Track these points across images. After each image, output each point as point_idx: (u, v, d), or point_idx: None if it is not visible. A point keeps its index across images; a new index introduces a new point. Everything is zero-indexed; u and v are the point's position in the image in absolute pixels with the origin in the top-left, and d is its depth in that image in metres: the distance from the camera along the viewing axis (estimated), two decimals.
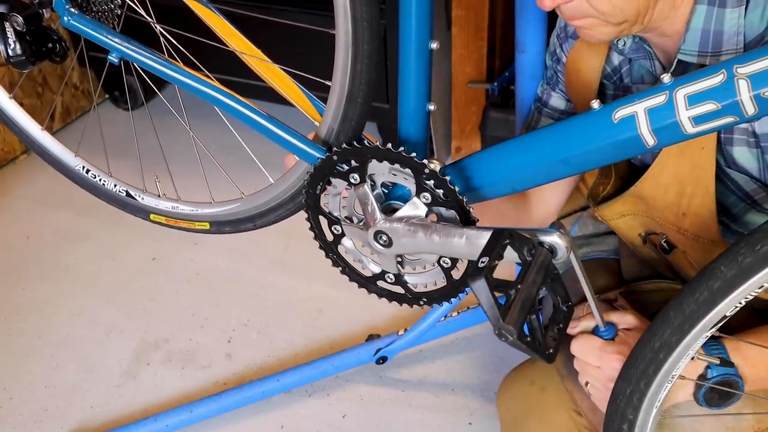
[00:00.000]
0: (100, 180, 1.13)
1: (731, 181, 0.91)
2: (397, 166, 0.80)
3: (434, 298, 0.89)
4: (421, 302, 0.91)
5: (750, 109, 0.64)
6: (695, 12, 0.83)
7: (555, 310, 0.80)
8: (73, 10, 0.96)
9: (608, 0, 0.79)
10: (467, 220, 0.81)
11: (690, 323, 0.69)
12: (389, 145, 0.79)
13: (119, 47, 0.93)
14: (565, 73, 1.04)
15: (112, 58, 0.94)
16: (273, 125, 0.88)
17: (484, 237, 0.76)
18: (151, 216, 1.11)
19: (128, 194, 1.11)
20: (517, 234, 0.74)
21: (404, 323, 1.64)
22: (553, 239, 0.74)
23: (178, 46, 0.94)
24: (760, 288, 0.64)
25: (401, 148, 0.78)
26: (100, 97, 2.63)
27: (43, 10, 1.00)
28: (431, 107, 0.83)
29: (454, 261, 0.84)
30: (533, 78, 1.20)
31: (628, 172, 1.06)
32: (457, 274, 0.86)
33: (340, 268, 0.95)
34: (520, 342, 0.69)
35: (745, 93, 0.63)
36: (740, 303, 0.66)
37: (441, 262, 0.85)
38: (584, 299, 0.82)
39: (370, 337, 1.65)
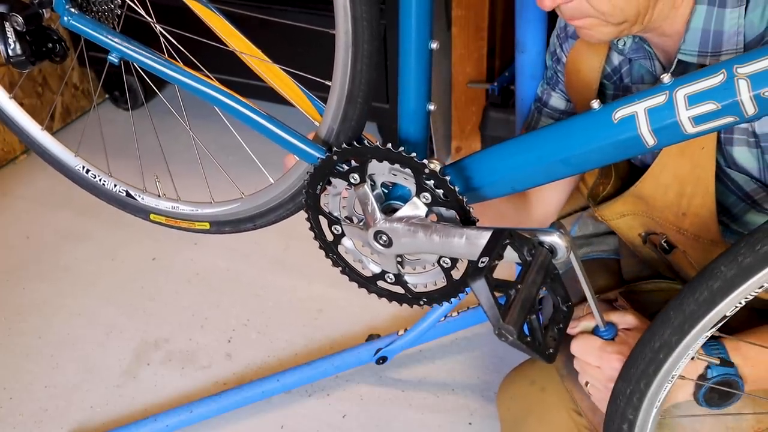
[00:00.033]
0: (100, 180, 1.13)
1: (731, 181, 0.91)
2: (397, 166, 0.80)
3: (434, 298, 0.89)
4: (421, 302, 0.91)
5: (750, 109, 0.64)
6: (695, 12, 0.83)
7: (555, 310, 0.80)
8: (73, 10, 0.96)
9: (608, 0, 0.79)
10: (467, 220, 0.81)
11: (690, 323, 0.69)
12: (389, 145, 0.79)
13: (119, 47, 0.93)
14: (565, 73, 1.04)
15: (112, 58, 0.94)
16: (273, 125, 0.88)
17: (484, 237, 0.76)
18: (151, 216, 1.11)
19: (128, 194, 1.11)
20: (517, 234, 0.74)
21: (404, 323, 1.64)
22: (553, 239, 0.74)
23: (178, 46, 0.94)
24: (760, 288, 0.64)
25: (401, 148, 0.78)
26: (100, 97, 2.63)
27: (43, 10, 1.00)
28: (431, 107, 0.83)
29: (454, 261, 0.84)
30: (533, 78, 1.20)
31: (628, 172, 1.06)
32: (457, 274, 0.86)
33: (340, 268, 0.95)
34: (520, 342, 0.69)
35: (745, 93, 0.63)
36: (740, 303, 0.66)
37: (441, 262, 0.85)
38: (584, 299, 0.82)
39: (370, 337, 1.65)
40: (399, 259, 0.88)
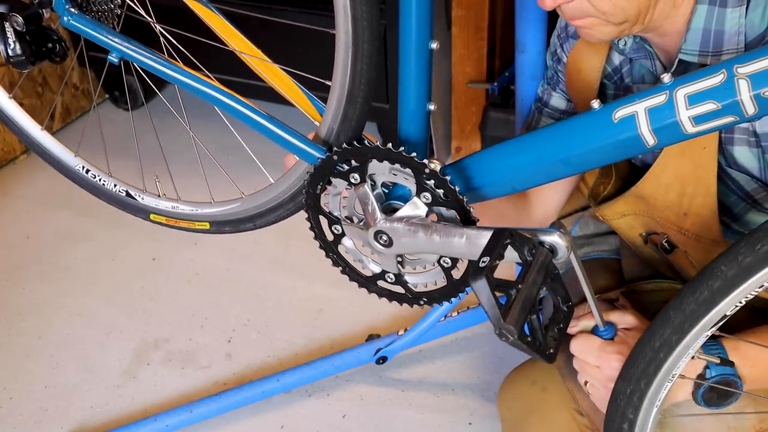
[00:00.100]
0: (100, 180, 1.13)
1: (732, 181, 0.91)
2: (397, 166, 0.80)
3: (434, 297, 0.89)
4: (422, 302, 0.91)
5: (750, 108, 0.64)
6: (696, 12, 0.83)
7: (555, 310, 0.80)
8: (73, 10, 0.96)
9: None
10: (468, 220, 0.81)
11: (690, 323, 0.69)
12: (389, 145, 0.79)
13: (119, 47, 0.93)
14: (565, 73, 1.04)
15: (112, 58, 0.94)
16: (273, 125, 0.88)
17: (485, 237, 0.76)
18: (151, 216, 1.11)
19: (128, 194, 1.11)
20: (517, 234, 0.74)
21: (404, 323, 1.64)
22: (554, 239, 0.74)
23: (178, 46, 0.94)
24: (760, 287, 0.64)
25: (401, 148, 0.78)
26: (100, 97, 2.63)
27: (43, 10, 1.00)
28: (431, 107, 0.83)
29: (455, 261, 0.84)
30: (533, 78, 1.20)
31: (629, 172, 1.06)
32: (457, 274, 0.86)
33: (340, 268, 0.95)
34: (521, 342, 0.69)
35: (745, 93, 0.63)
36: (740, 302, 0.66)
37: (441, 262, 0.85)
38: (585, 299, 0.82)
39: (370, 337, 1.65)
40: (399, 259, 0.88)
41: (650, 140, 0.69)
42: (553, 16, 1.04)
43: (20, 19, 0.98)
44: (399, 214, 0.83)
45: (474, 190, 0.83)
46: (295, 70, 0.90)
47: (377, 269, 0.91)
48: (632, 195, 0.96)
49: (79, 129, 2.54)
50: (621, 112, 0.70)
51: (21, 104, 1.16)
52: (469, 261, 0.82)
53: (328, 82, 0.82)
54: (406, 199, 0.84)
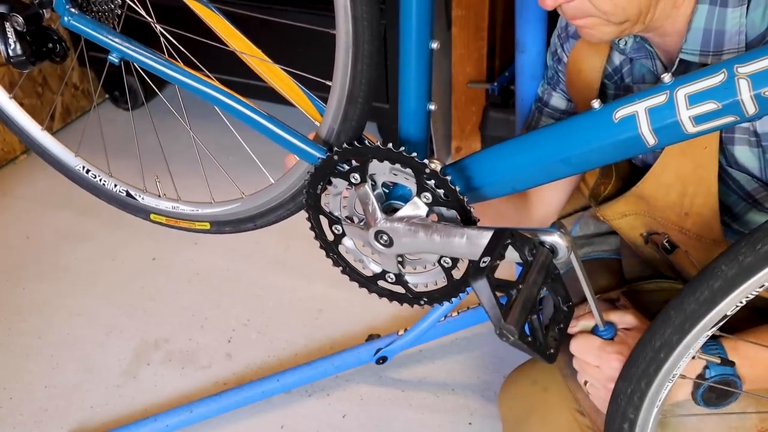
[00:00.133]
0: (100, 180, 1.13)
1: (732, 181, 0.91)
2: (397, 165, 0.80)
3: (435, 297, 0.89)
4: (422, 302, 0.91)
5: (750, 108, 0.64)
6: (697, 11, 0.83)
7: (556, 310, 0.80)
8: (73, 10, 0.96)
9: None
10: (468, 220, 0.81)
11: (691, 322, 0.69)
12: (390, 145, 0.79)
13: (119, 47, 0.93)
14: (566, 73, 1.04)
15: (113, 58, 0.94)
16: (273, 125, 0.88)
17: (485, 237, 0.76)
18: (152, 216, 1.11)
19: (128, 194, 1.11)
20: (518, 234, 0.74)
21: (404, 323, 1.64)
22: (554, 239, 0.74)
23: (178, 46, 0.94)
24: (760, 287, 0.64)
25: (402, 148, 0.78)
26: (100, 97, 2.63)
27: (44, 10, 1.00)
28: (432, 107, 0.83)
29: (455, 261, 0.84)
30: (533, 78, 1.20)
31: (630, 172, 1.06)
32: (457, 274, 0.86)
33: (340, 268, 0.95)
34: (521, 342, 0.69)
35: (745, 92, 0.63)
36: (741, 302, 0.66)
37: (442, 262, 0.85)
38: (585, 299, 0.82)
39: (370, 337, 1.65)
40: (400, 259, 0.88)
41: (651, 140, 0.69)
42: (553, 16, 1.04)
43: (21, 19, 0.98)
44: (399, 214, 0.83)
45: (474, 190, 0.83)
46: (295, 70, 0.90)
47: (378, 269, 0.91)
48: (633, 195, 0.96)
49: (79, 129, 2.54)
50: (621, 112, 0.70)
51: (21, 104, 1.16)
52: (470, 261, 0.82)
53: (328, 82, 0.82)
54: (406, 199, 0.84)
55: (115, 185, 1.12)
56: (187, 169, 1.23)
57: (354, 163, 0.83)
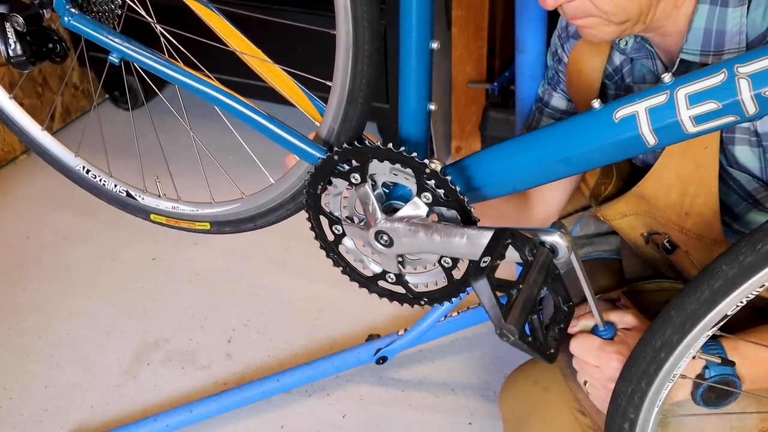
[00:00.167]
0: (100, 180, 1.13)
1: (733, 181, 0.91)
2: (397, 165, 0.80)
3: (435, 297, 0.89)
4: (422, 302, 0.91)
5: (751, 108, 0.64)
6: (697, 11, 0.83)
7: (556, 310, 0.80)
8: (73, 10, 0.96)
9: None
10: (468, 220, 0.81)
11: (691, 322, 0.69)
12: (390, 145, 0.79)
13: (119, 47, 0.93)
14: (566, 73, 1.04)
15: (113, 58, 0.94)
16: (273, 125, 0.88)
17: (486, 237, 0.76)
18: (152, 216, 1.11)
19: (128, 194, 1.11)
20: (518, 234, 0.74)
21: (404, 323, 1.64)
22: (555, 239, 0.74)
23: (178, 46, 0.94)
24: (761, 287, 0.64)
25: (402, 148, 0.78)
26: (100, 97, 2.63)
27: (44, 11, 1.00)
28: (432, 107, 0.83)
29: (455, 261, 0.84)
30: (533, 78, 1.20)
31: (630, 172, 1.06)
32: (458, 274, 0.86)
33: (340, 268, 0.95)
34: (522, 342, 0.69)
35: (746, 92, 0.63)
36: (741, 302, 0.66)
37: (442, 262, 0.85)
38: (585, 299, 0.82)
39: (370, 337, 1.65)
40: (400, 259, 0.88)
41: (651, 140, 0.69)
42: (553, 16, 1.04)
43: (21, 20, 0.98)
44: (400, 214, 0.83)
45: (474, 190, 0.83)
46: (295, 70, 0.90)
47: (378, 269, 0.91)
48: (633, 195, 0.96)
49: (79, 129, 2.54)
50: (622, 112, 0.70)
51: (21, 104, 1.16)
52: (470, 261, 0.82)
53: (328, 83, 0.82)
54: (406, 199, 0.84)
55: (115, 185, 1.12)
56: (187, 169, 1.23)
57: (354, 163, 0.83)
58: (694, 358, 0.73)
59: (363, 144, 0.84)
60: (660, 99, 0.68)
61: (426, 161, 0.78)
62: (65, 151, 1.15)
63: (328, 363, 1.57)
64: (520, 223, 1.16)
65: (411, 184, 0.81)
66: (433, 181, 0.79)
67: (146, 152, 1.20)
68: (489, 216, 1.08)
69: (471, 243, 0.78)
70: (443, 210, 0.82)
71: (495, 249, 0.72)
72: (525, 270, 0.73)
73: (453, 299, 0.89)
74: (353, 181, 0.84)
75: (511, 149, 0.81)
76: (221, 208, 1.03)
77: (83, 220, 2.13)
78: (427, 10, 0.77)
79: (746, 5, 0.80)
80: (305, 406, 1.59)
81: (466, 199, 0.79)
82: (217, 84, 0.89)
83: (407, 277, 0.90)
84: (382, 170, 0.82)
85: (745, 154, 0.87)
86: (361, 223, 0.88)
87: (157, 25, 0.93)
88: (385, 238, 0.84)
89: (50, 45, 1.03)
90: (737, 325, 0.77)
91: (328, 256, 0.94)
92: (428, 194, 0.80)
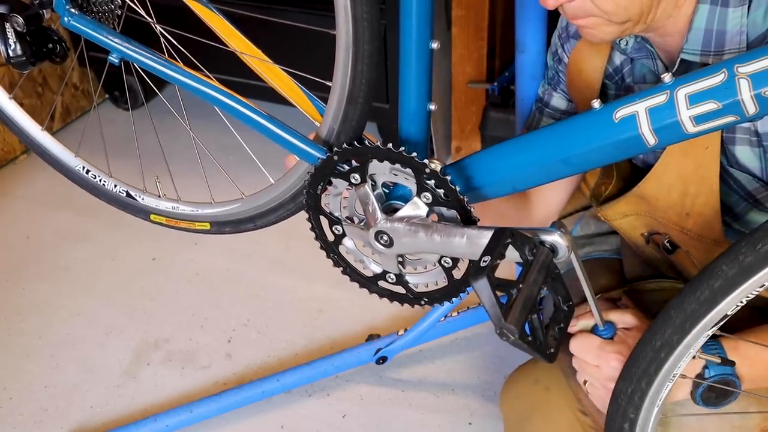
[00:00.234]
0: (100, 180, 1.13)
1: (734, 181, 0.91)
2: (397, 165, 0.80)
3: (435, 297, 0.89)
4: (423, 302, 0.91)
5: (751, 108, 0.64)
6: (698, 11, 0.83)
7: (556, 310, 0.80)
8: (73, 10, 0.96)
9: None
10: (468, 220, 0.81)
11: (691, 322, 0.69)
12: (390, 145, 0.79)
13: (119, 47, 0.93)
14: (566, 73, 1.04)
15: (113, 58, 0.94)
16: (273, 125, 0.88)
17: (486, 236, 0.76)
18: (152, 216, 1.11)
19: (128, 194, 1.11)
20: (518, 233, 0.74)
21: (404, 323, 1.64)
22: (555, 239, 0.74)
23: (178, 46, 0.94)
24: (761, 287, 0.64)
25: (402, 148, 0.78)
26: (100, 97, 2.63)
27: (44, 11, 1.00)
28: (432, 107, 0.83)
29: (455, 261, 0.84)
30: (533, 78, 1.20)
31: (631, 172, 1.06)
32: (458, 274, 0.86)
33: (341, 269, 0.95)
34: (522, 341, 0.69)
35: (746, 92, 0.63)
36: (741, 302, 0.66)
37: (442, 262, 0.85)
38: (586, 299, 0.82)
39: (370, 337, 1.65)
40: (400, 259, 0.88)
41: (651, 140, 0.69)
42: (553, 16, 1.04)
43: (21, 20, 0.98)
44: (400, 214, 0.83)
45: (474, 189, 0.83)
46: (295, 70, 0.90)
47: (378, 269, 0.91)
48: (634, 195, 0.96)
49: (79, 129, 2.54)
50: (622, 112, 0.70)
51: (21, 104, 1.16)
52: (470, 261, 0.82)
53: (328, 83, 0.82)
54: (406, 199, 0.84)
55: (115, 185, 1.12)
56: (187, 169, 1.23)
57: (354, 163, 0.83)
58: (694, 357, 0.73)
59: (363, 144, 0.84)
60: (660, 99, 0.68)
61: (426, 161, 0.78)
62: (65, 151, 1.15)
63: (328, 363, 1.57)
64: (520, 223, 1.16)
65: (411, 184, 0.81)
66: (432, 181, 0.79)
67: (146, 152, 1.20)
68: (489, 216, 1.08)
69: (471, 243, 0.78)
70: (443, 210, 0.82)
71: (495, 248, 0.72)
72: (525, 269, 0.73)
73: (453, 299, 0.89)
74: (353, 181, 0.84)
75: (511, 149, 0.81)
76: (221, 209, 1.03)
77: (83, 220, 2.13)
78: (427, 10, 0.77)
79: (747, 5, 0.80)
80: (305, 406, 1.59)
81: (465, 199, 0.79)
82: (217, 84, 0.89)
83: (407, 277, 0.90)
84: (381, 170, 0.82)
85: (745, 154, 0.87)
86: (361, 224, 0.88)
87: (157, 25, 0.93)
88: (385, 238, 0.84)
89: (50, 45, 1.03)
90: (737, 324, 0.77)
91: (328, 256, 0.94)
92: (428, 194, 0.80)
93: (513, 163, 0.81)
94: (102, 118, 2.51)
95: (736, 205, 0.93)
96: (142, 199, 1.10)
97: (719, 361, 0.80)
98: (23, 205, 2.23)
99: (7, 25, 0.98)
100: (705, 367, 0.80)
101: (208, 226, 1.06)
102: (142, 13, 0.95)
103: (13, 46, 0.99)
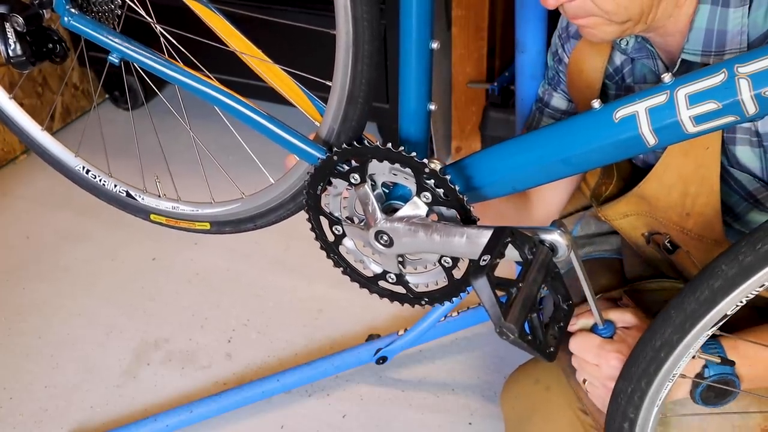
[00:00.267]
0: (100, 180, 1.13)
1: (734, 181, 0.91)
2: (397, 165, 0.80)
3: (436, 297, 0.89)
4: (423, 302, 0.91)
5: (751, 108, 0.64)
6: (699, 11, 0.83)
7: (556, 309, 0.80)
8: (73, 10, 0.96)
9: None
10: (468, 219, 0.81)
11: (691, 322, 0.69)
12: (389, 145, 0.79)
13: (119, 47, 0.93)
14: (567, 74, 1.04)
15: (113, 58, 0.94)
16: (273, 125, 0.88)
17: (485, 236, 0.76)
18: (152, 216, 1.11)
19: (128, 194, 1.11)
20: (518, 232, 0.74)
21: (404, 323, 1.64)
22: (554, 237, 0.74)
23: (178, 46, 0.94)
24: (761, 287, 0.64)
25: (401, 148, 0.78)
26: (100, 97, 2.63)
27: (44, 11, 1.00)
28: (432, 107, 0.83)
29: (455, 260, 0.84)
30: (533, 78, 1.20)
31: (631, 172, 1.06)
32: (458, 274, 0.86)
33: (341, 269, 0.95)
34: (521, 340, 0.69)
35: (746, 92, 0.63)
36: (741, 302, 0.66)
37: (442, 262, 0.85)
38: (586, 298, 0.82)
39: (370, 337, 1.65)
40: (400, 259, 0.88)
41: (651, 140, 0.69)
42: (553, 16, 1.04)
43: (21, 20, 0.98)
44: (399, 213, 0.83)
45: (474, 189, 0.83)
46: (295, 70, 0.90)
47: (378, 270, 0.91)
48: (634, 195, 0.96)
49: (79, 129, 2.54)
50: (622, 112, 0.70)
51: (21, 104, 1.16)
52: (470, 260, 0.82)
53: (328, 83, 0.82)
54: (406, 199, 0.84)
55: (115, 185, 1.12)
56: (187, 169, 1.23)
57: (354, 163, 0.83)
58: (693, 357, 0.73)
59: (363, 144, 0.84)
60: (660, 99, 0.68)
61: (425, 161, 0.78)
62: (65, 151, 1.16)
63: (328, 363, 1.57)
64: (520, 224, 1.16)
65: (410, 184, 0.81)
66: (432, 181, 0.79)
67: (146, 152, 1.20)
68: (489, 216, 1.08)
69: (470, 242, 0.78)
70: (443, 209, 0.82)
71: (494, 247, 0.73)
72: (524, 268, 0.73)
73: (453, 299, 0.89)
74: (353, 181, 0.84)
75: (511, 149, 0.81)
76: (221, 208, 1.03)
77: (83, 220, 2.13)
78: (427, 10, 0.77)
79: (747, 5, 0.80)
80: (305, 406, 1.59)
81: (465, 198, 0.79)
82: (217, 84, 0.89)
83: (407, 277, 0.90)
84: (381, 170, 0.82)
85: (746, 154, 0.87)
86: (361, 224, 0.88)
87: (157, 25, 0.93)
88: (385, 238, 0.84)
89: (50, 45, 1.03)
90: (737, 324, 0.77)
91: (328, 256, 0.94)
92: (428, 194, 0.80)
93: (513, 163, 0.81)
94: (102, 118, 2.51)
95: (737, 206, 0.93)
96: (142, 198, 1.10)
97: (719, 360, 0.80)
98: (23, 205, 2.23)
99: (7, 25, 0.98)
100: (704, 366, 0.80)
101: (208, 226, 1.06)
102: (142, 13, 0.95)
103: (13, 46, 0.99)
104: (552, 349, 0.76)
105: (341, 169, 0.84)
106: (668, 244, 0.97)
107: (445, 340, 1.68)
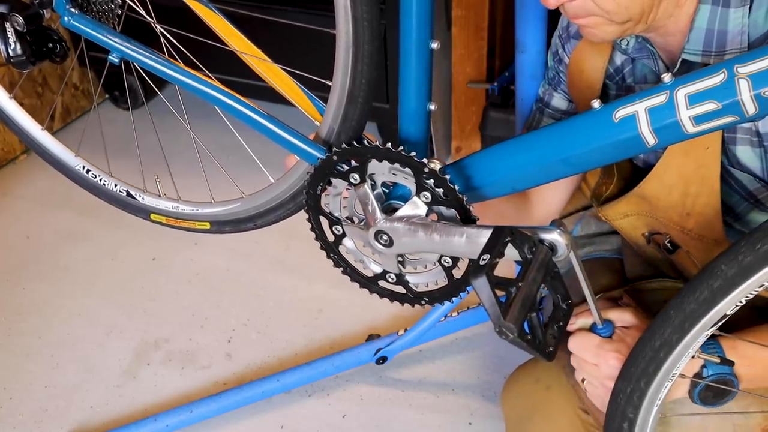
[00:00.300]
0: (100, 180, 1.13)
1: (735, 181, 0.91)
2: (397, 165, 0.80)
3: (435, 297, 0.89)
4: (423, 302, 0.91)
5: (751, 108, 0.64)
6: (699, 11, 0.83)
7: (555, 309, 0.80)
8: (73, 10, 0.96)
9: None
10: (467, 219, 0.81)
11: (690, 322, 0.69)
12: (389, 145, 0.79)
13: (119, 47, 0.93)
14: (567, 74, 1.04)
15: (113, 58, 0.94)
16: (273, 125, 0.88)
17: (485, 235, 0.76)
18: (152, 216, 1.11)
19: (129, 194, 1.11)
20: (517, 232, 0.74)
21: (404, 323, 1.64)
22: (554, 237, 0.74)
23: (179, 46, 0.94)
24: (760, 287, 0.64)
25: (401, 148, 0.78)
26: (100, 97, 2.63)
27: (44, 10, 1.00)
28: (432, 107, 0.83)
29: (455, 260, 0.84)
30: (533, 78, 1.20)
31: (631, 172, 1.06)
32: (458, 274, 0.86)
33: (341, 269, 0.95)
34: (521, 340, 0.69)
35: (745, 92, 0.63)
36: (741, 302, 0.66)
37: (442, 261, 0.85)
38: (586, 298, 0.82)
39: (370, 337, 1.65)
40: (400, 259, 0.88)
41: (651, 140, 0.69)
42: (553, 16, 1.04)
43: (21, 19, 0.98)
44: (399, 213, 0.83)
45: (474, 189, 0.83)
46: (295, 70, 0.90)
47: (378, 269, 0.91)
48: (635, 195, 0.96)
49: (79, 129, 2.54)
50: (621, 112, 0.70)
51: (21, 104, 1.16)
52: (470, 260, 0.82)
53: (328, 83, 0.82)
54: (406, 199, 0.84)
55: (115, 185, 1.12)
56: (187, 169, 1.23)
57: (353, 163, 0.83)
58: (693, 357, 0.73)
59: (362, 144, 0.84)
60: (660, 99, 0.68)
61: (425, 160, 0.78)
62: (65, 151, 1.16)
63: (328, 363, 1.57)
64: (520, 223, 1.15)
65: (410, 184, 0.81)
66: (432, 181, 0.79)
67: (146, 152, 1.20)
68: (489, 216, 1.08)
69: (470, 241, 0.78)
70: (442, 209, 0.82)
71: (494, 247, 0.73)
72: (524, 268, 0.73)
73: (453, 299, 0.89)
74: (352, 181, 0.84)
75: (511, 149, 0.81)
76: (221, 208, 1.04)
77: (83, 220, 2.13)
78: (427, 10, 0.77)
79: (748, 6, 0.80)
80: (305, 406, 1.59)
81: (465, 198, 0.79)
82: (217, 84, 0.89)
83: (407, 277, 0.90)
84: (381, 170, 0.82)
85: (746, 154, 0.87)
86: (361, 224, 0.88)
87: (157, 25, 0.93)
88: (385, 237, 0.84)
89: (50, 45, 1.03)
90: (736, 324, 0.77)
91: (328, 256, 0.94)
92: (427, 193, 0.80)
93: (513, 163, 0.81)
94: (102, 118, 2.51)
95: (737, 205, 0.93)
96: (143, 198, 1.10)
97: (718, 360, 0.80)
98: (23, 205, 2.23)
99: (7, 25, 0.98)
100: (703, 366, 0.80)
101: (208, 226, 1.06)
102: (142, 12, 0.95)
103: (13, 46, 0.99)
104: (551, 349, 0.76)
105: (341, 169, 0.84)
106: (668, 244, 0.97)
107: (445, 340, 1.68)
